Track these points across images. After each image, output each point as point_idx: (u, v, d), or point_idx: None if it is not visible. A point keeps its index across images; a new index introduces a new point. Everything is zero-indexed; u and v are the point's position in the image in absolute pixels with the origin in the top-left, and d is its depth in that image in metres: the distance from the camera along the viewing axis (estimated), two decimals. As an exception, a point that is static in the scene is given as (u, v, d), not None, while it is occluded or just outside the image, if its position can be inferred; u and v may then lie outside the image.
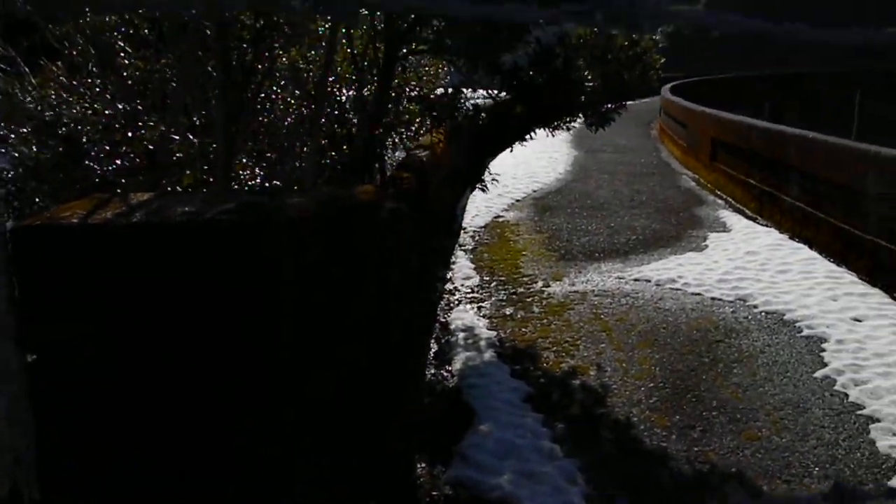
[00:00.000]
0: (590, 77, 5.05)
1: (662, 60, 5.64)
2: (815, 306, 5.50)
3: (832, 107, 34.75)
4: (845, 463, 3.43)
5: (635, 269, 6.74)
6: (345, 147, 6.02)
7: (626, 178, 11.97)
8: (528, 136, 6.65)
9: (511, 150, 13.62)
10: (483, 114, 5.50)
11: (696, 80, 24.99)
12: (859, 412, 3.91)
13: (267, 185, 4.80)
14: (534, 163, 13.33)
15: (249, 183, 4.89)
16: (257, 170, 4.81)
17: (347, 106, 6.07)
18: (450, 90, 5.75)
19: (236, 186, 4.43)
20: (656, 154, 15.33)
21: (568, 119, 5.98)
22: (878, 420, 3.81)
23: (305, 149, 5.18)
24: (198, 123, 4.99)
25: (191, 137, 4.30)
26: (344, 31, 5.19)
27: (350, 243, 2.30)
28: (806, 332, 5.08)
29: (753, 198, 9.21)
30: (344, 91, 6.19)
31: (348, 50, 5.74)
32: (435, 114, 6.39)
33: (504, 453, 3.60)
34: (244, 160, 4.91)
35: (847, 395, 4.11)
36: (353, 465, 2.34)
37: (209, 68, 4.65)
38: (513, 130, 8.50)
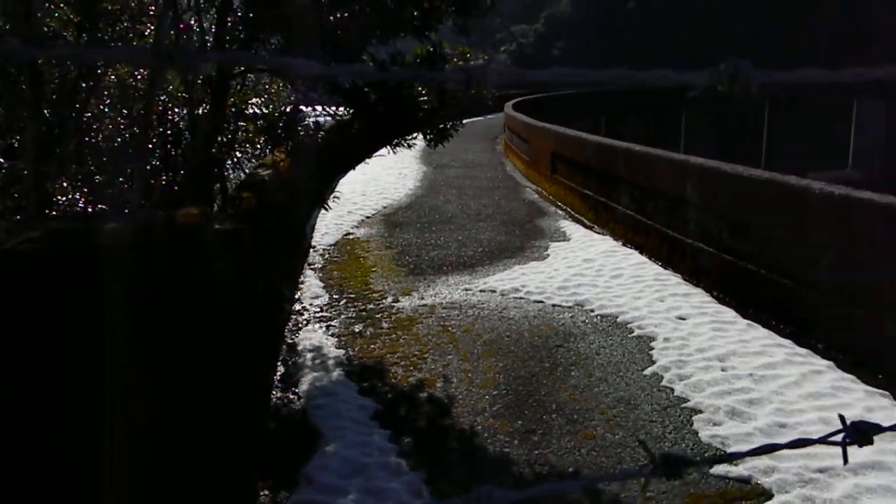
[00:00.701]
0: (425, 95, 5.16)
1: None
2: (644, 308, 5.87)
3: (669, 120, 37.47)
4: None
5: (481, 280, 6.92)
6: (181, 168, 5.81)
7: (473, 193, 12.29)
8: (372, 154, 6.69)
9: (360, 168, 13.65)
10: (322, 132, 5.47)
11: (537, 97, 26.06)
12: (684, 405, 4.20)
13: (91, 209, 4.53)
14: (383, 179, 13.41)
15: (73, 207, 4.60)
16: (78, 195, 4.52)
17: (181, 125, 5.86)
18: (288, 108, 5.68)
19: (55, 212, 4.15)
20: (502, 168, 15.86)
21: (409, 137, 6.06)
22: (700, 411, 4.11)
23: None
24: (16, 146, 4.65)
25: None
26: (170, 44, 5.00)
27: (171, 269, 2.22)
28: (637, 332, 5.41)
29: (590, 208, 9.73)
30: (178, 110, 5.97)
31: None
32: (278, 132, 6.30)
33: (351, 472, 3.57)
34: (66, 184, 4.62)
35: (673, 390, 4.41)
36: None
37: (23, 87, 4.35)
38: (357, 149, 8.51)
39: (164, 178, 5.73)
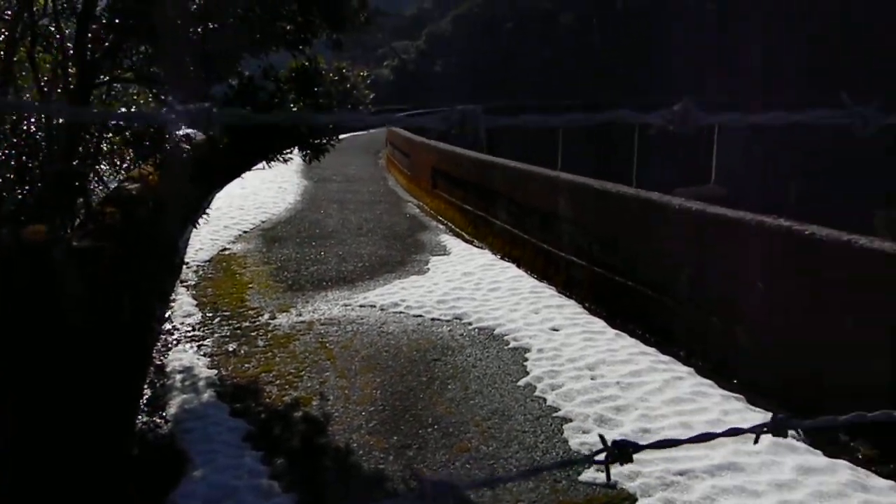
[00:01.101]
0: (299, 110, 5.09)
1: (372, 95, 5.87)
2: (520, 320, 6.02)
3: (544, 137, 38.59)
4: (543, 463, 3.76)
5: (361, 295, 6.89)
6: (38, 181, 5.46)
7: (354, 207, 12.23)
8: (248, 169, 6.53)
9: (238, 182, 13.32)
10: (191, 146, 5.29)
11: (420, 112, 26.31)
12: (555, 414, 4.32)
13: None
14: (263, 193, 13.13)
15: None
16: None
17: (38, 136, 5.52)
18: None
19: None
20: (384, 183, 15.88)
21: (285, 151, 5.97)
22: (570, 420, 4.24)
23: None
24: None
25: None
26: (24, 51, 4.72)
27: (14, 289, 2.08)
28: (512, 343, 5.53)
29: (470, 222, 9.90)
30: (34, 120, 5.63)
31: (38, 74, 5.24)
32: (146, 144, 6.05)
33: (219, 498, 3.45)
34: None
35: (545, 400, 4.53)
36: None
37: None
38: (231, 163, 8.30)
39: (20, 191, 5.38)
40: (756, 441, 1.09)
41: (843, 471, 3.58)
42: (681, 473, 3.58)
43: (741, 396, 4.50)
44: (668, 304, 5.51)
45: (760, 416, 4.14)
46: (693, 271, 5.25)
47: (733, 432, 1.07)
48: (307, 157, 5.51)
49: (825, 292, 4.16)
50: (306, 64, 5.49)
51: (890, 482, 3.50)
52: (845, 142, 27.25)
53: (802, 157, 29.28)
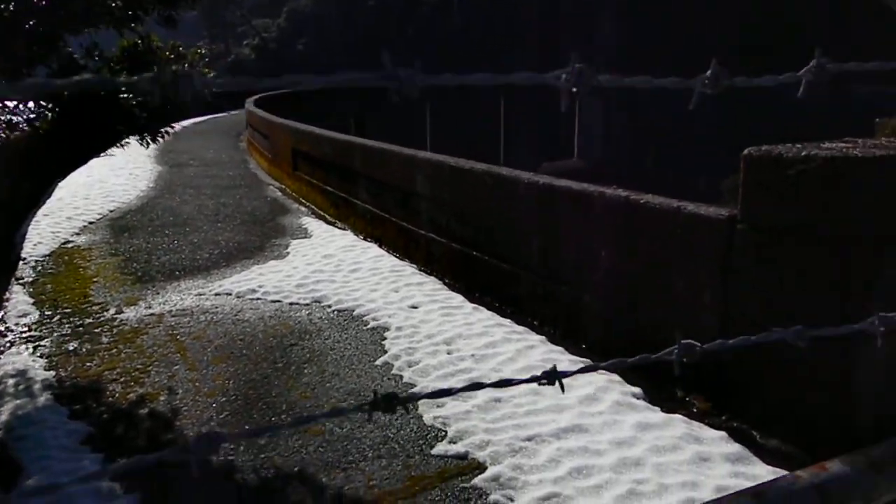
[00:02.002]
0: (130, 94, 4.79)
1: (212, 74, 5.60)
2: (380, 299, 6.00)
3: (416, 116, 38.61)
4: (396, 440, 3.77)
5: (217, 283, 6.65)
6: None
7: (212, 192, 11.78)
8: (87, 157, 6.13)
9: (85, 170, 12.52)
10: (16, 134, 4.89)
11: (281, 93, 25.61)
12: (411, 391, 4.34)
13: None
14: (111, 181, 12.41)
15: None
16: None
17: None
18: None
19: None
20: (244, 166, 15.38)
21: (124, 138, 5.62)
22: (424, 395, 4.27)
23: None
24: None
25: None
26: None
27: None
28: (372, 323, 5.51)
29: (332, 204, 9.76)
30: None
31: None
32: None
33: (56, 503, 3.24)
34: None
35: (402, 377, 4.55)
36: None
37: None
38: (65, 154, 7.76)
39: None
40: (540, 383, 1.15)
41: (679, 425, 3.81)
42: (529, 439, 3.69)
43: (588, 361, 4.69)
44: (521, 276, 5.66)
45: (604, 378, 4.34)
46: (543, 243, 5.41)
47: (531, 380, 1.14)
48: (144, 142, 5.21)
49: (660, 257, 4.38)
50: (138, 42, 5.19)
51: (720, 433, 3.75)
52: (697, 116, 28.97)
53: (660, 130, 30.87)
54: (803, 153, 3.48)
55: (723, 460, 3.46)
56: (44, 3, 4.40)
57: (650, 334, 4.51)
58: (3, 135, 5.54)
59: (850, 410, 3.42)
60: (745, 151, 3.77)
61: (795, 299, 3.58)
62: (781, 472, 1.63)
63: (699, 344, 1.21)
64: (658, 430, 3.73)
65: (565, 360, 4.66)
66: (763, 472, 3.33)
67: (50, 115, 5.03)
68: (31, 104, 5.84)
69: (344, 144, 9.21)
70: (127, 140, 5.60)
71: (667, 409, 4.02)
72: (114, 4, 4.59)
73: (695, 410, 4.07)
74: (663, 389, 4.30)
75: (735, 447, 3.58)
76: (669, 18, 33.14)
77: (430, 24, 48.89)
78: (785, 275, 3.61)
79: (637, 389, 4.23)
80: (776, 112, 22.32)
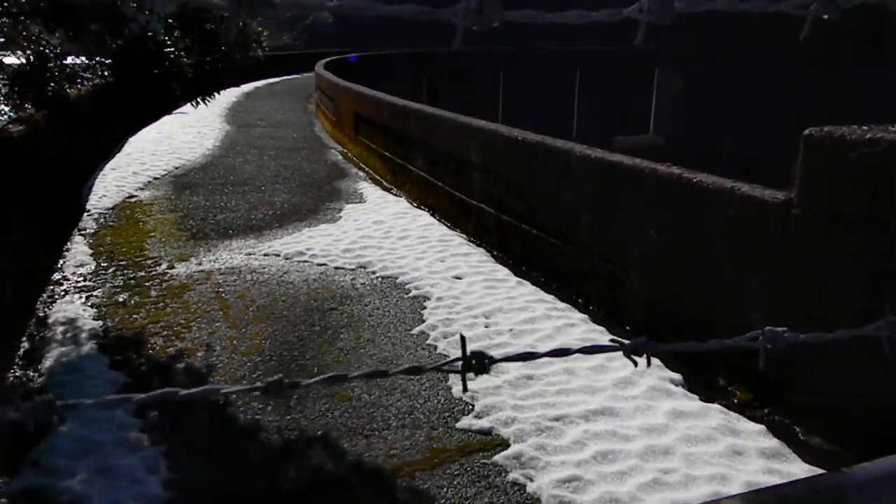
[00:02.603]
0: (182, 52, 4.78)
1: (266, 33, 5.60)
2: (425, 268, 5.95)
3: (485, 84, 38.14)
4: (422, 411, 3.74)
5: (266, 244, 6.72)
6: None
7: (275, 153, 11.91)
8: (163, 112, 6.20)
9: (157, 126, 12.83)
10: (85, 90, 4.98)
11: (353, 56, 25.68)
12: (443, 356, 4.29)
13: None
14: (179, 139, 12.68)
15: None
16: None
17: None
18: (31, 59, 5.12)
19: None
20: (310, 129, 15.49)
21: (178, 98, 5.64)
22: (456, 367, 4.21)
23: None
24: None
25: None
26: None
27: None
28: (413, 292, 5.47)
29: (389, 169, 9.74)
30: None
31: None
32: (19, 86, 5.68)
33: (83, 452, 3.33)
34: None
35: (436, 347, 4.50)
36: None
37: None
38: (136, 106, 7.92)
39: None
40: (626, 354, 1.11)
41: (715, 415, 3.65)
42: (556, 419, 3.60)
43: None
44: (569, 252, 5.51)
45: (642, 361, 4.18)
46: (592, 218, 5.25)
47: (595, 349, 1.10)
48: (195, 103, 5.24)
49: (710, 239, 4.18)
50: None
51: (759, 426, 3.58)
52: (774, 96, 27.75)
53: (740, 107, 29.67)
54: (868, 135, 3.23)
55: (758, 455, 3.30)
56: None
57: (695, 318, 4.33)
58: (67, 90, 5.65)
59: (901, 413, 3.21)
60: (806, 132, 3.53)
61: (850, 291, 3.36)
62: (818, 472, 1.51)
63: (784, 330, 1.09)
64: (692, 419, 3.59)
65: (605, 341, 4.51)
66: (799, 471, 3.16)
67: (111, 71, 5.10)
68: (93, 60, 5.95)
69: (401, 109, 9.14)
70: (187, 103, 5.62)
71: (705, 398, 3.86)
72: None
73: (735, 401, 3.90)
74: (704, 377, 4.13)
75: (773, 442, 3.41)
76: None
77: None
78: (840, 264, 3.39)
79: (677, 375, 4.08)
80: (875, 97, 21.08)
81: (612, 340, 1.16)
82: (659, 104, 38.40)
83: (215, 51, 4.92)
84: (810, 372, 3.54)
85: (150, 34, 4.44)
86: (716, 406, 3.75)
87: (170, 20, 5.07)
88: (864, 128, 3.39)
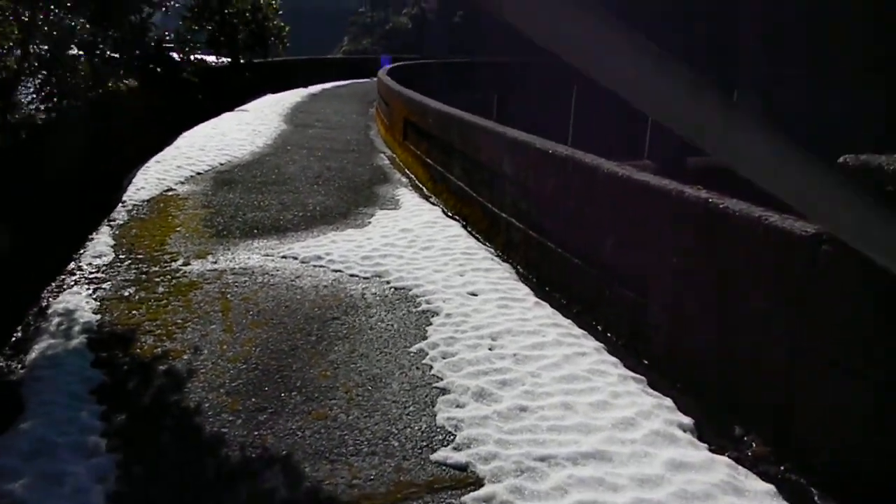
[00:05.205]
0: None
1: (287, 28, 5.42)
2: (441, 282, 5.68)
3: (554, 96, 37.50)
4: (398, 438, 3.46)
5: (287, 246, 6.56)
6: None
7: (323, 154, 11.84)
8: (223, 108, 6.12)
9: (214, 122, 12.94)
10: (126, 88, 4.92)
11: (418, 63, 25.66)
12: (435, 385, 4.01)
13: None
14: (232, 135, 12.76)
15: None
16: None
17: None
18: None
19: None
20: (365, 132, 15.42)
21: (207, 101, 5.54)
22: (448, 392, 3.93)
23: None
24: None
25: None
26: None
27: None
28: (423, 306, 5.20)
29: (430, 177, 9.51)
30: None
31: None
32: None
33: (36, 453, 3.18)
34: None
35: (431, 368, 4.22)
36: None
37: None
38: (184, 103, 7.90)
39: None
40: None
41: (721, 469, 3.27)
42: (542, 459, 3.28)
43: (642, 378, 4.17)
44: (591, 274, 5.16)
45: (651, 401, 3.82)
46: (616, 240, 4.89)
47: None
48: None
49: (735, 272, 3.79)
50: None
51: (769, 485, 3.17)
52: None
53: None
54: (908, 166, 2.82)
55: (759, 522, 2.91)
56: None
57: (716, 358, 3.94)
58: (112, 87, 5.60)
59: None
60: (841, 159, 3.12)
61: (877, 340, 2.95)
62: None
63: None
64: (693, 472, 3.21)
65: (614, 375, 4.15)
66: (803, 546, 2.76)
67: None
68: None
69: (444, 117, 8.90)
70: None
71: (715, 448, 3.48)
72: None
73: (749, 453, 3.50)
74: (720, 423, 3.74)
75: (780, 506, 3.01)
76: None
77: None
78: (867, 309, 2.97)
79: (687, 420, 3.70)
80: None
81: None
82: (654, 130, 37.00)
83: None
84: (836, 422, 3.13)
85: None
86: (724, 458, 3.36)
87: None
88: (908, 157, 2.97)
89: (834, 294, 3.16)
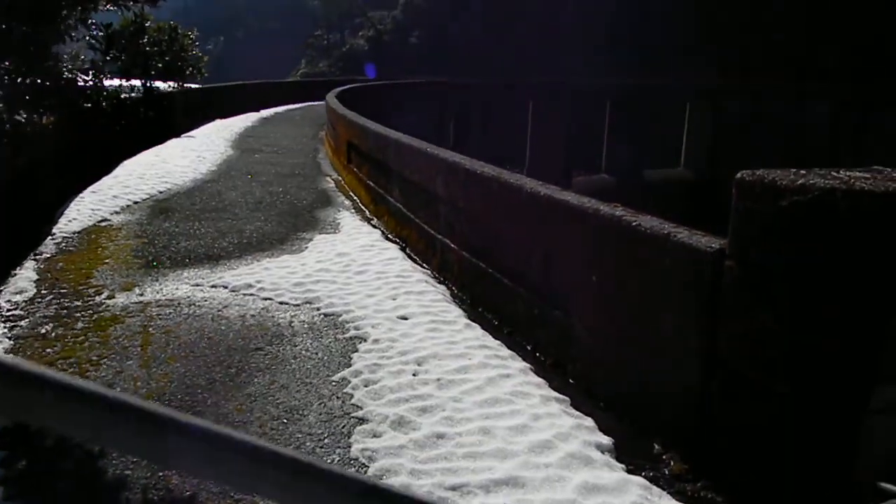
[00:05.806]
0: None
1: (206, 59, 5.36)
2: (372, 306, 5.60)
3: (509, 114, 37.75)
4: (308, 471, 3.36)
5: (218, 275, 6.43)
6: None
7: (266, 179, 11.70)
8: (170, 134, 5.97)
9: (157, 150, 12.72)
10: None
11: (372, 85, 25.65)
12: (353, 414, 3.92)
13: None
14: (175, 162, 12.56)
15: None
16: None
17: None
18: None
19: None
20: (313, 156, 15.30)
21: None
22: (366, 421, 3.84)
23: None
24: None
25: None
26: None
27: None
28: (351, 332, 5.12)
29: (372, 199, 9.45)
30: None
31: None
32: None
33: (-79, 507, 3.02)
34: None
35: (352, 397, 4.13)
36: None
37: None
38: (126, 133, 7.75)
39: None
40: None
41: (634, 490, 3.23)
42: (454, 488, 3.21)
43: (565, 398, 4.13)
44: (520, 295, 5.13)
45: (571, 422, 3.78)
46: (542, 259, 4.87)
47: None
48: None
49: (649, 290, 3.79)
50: (135, 20, 4.99)
51: (684, 504, 3.15)
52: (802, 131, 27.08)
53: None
54: (800, 181, 2.84)
55: (668, 544, 2.87)
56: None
57: (635, 376, 3.93)
58: (35, 118, 5.44)
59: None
60: (738, 175, 3.14)
61: (784, 353, 2.95)
62: None
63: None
64: (605, 495, 3.17)
65: (537, 396, 4.11)
66: (709, 567, 2.73)
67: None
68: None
69: (381, 139, 8.87)
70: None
71: (632, 468, 3.44)
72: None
73: (667, 472, 3.47)
74: (640, 441, 3.72)
75: (691, 527, 2.98)
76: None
77: (525, 21, 47.95)
78: (773, 323, 2.97)
79: (606, 440, 3.66)
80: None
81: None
82: (690, 137, 37.64)
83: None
84: (756, 438, 3.12)
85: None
86: (638, 479, 3.33)
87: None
88: (802, 172, 2.99)
89: (738, 308, 3.16)
